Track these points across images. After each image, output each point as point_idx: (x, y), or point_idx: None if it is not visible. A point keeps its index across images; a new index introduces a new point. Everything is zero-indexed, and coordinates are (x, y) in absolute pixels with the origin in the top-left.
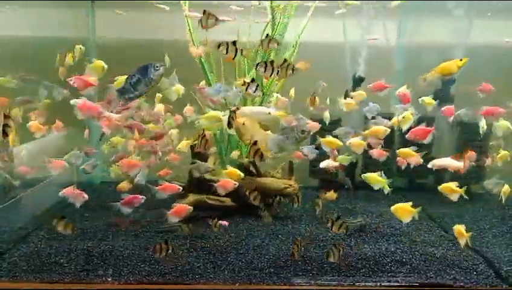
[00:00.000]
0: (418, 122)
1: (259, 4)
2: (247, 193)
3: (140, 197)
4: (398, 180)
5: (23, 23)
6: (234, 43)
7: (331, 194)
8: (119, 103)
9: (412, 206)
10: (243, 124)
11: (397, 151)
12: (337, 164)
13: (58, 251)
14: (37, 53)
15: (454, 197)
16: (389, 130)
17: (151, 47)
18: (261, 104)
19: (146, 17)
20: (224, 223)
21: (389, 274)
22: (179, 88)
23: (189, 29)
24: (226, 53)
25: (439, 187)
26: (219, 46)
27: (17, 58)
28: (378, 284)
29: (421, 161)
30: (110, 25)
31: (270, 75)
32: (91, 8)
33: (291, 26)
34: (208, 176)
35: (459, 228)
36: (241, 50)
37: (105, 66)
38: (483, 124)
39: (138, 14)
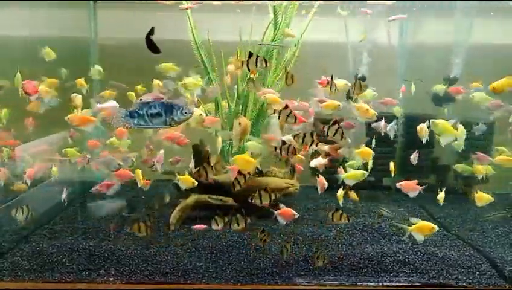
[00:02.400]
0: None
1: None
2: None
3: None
4: (390, 180)
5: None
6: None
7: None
8: (122, 123)
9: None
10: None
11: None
12: (325, 161)
13: (60, 250)
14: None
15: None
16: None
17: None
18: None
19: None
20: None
21: (391, 274)
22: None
23: (193, 36)
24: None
25: (337, 194)
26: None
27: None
28: (380, 284)
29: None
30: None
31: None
32: (93, 8)
33: (293, 26)
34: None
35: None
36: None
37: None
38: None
39: (141, 14)
